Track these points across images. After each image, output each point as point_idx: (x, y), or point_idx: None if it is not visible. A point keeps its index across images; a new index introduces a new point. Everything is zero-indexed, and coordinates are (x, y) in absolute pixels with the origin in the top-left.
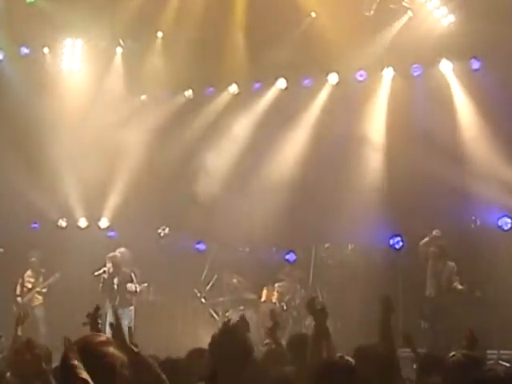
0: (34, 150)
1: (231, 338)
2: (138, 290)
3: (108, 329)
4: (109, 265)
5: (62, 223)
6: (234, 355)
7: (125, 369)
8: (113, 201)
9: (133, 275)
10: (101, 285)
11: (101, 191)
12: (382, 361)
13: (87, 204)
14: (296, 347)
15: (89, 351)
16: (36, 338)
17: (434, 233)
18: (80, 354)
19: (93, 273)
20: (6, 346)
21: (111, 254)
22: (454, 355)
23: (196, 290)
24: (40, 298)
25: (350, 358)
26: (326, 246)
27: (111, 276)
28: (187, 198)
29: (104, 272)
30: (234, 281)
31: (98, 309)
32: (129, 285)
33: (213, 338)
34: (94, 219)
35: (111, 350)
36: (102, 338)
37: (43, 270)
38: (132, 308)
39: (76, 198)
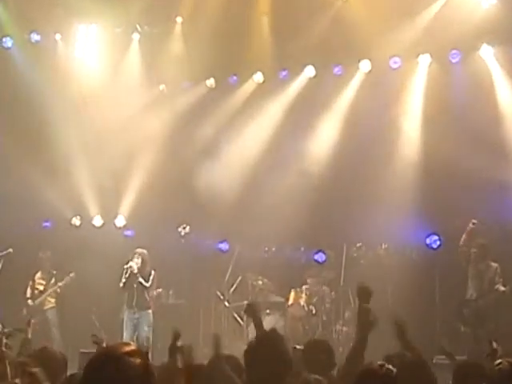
0: (45, 142)
1: (271, 347)
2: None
3: (125, 334)
4: (137, 260)
5: (76, 221)
6: (273, 367)
7: None
8: (130, 197)
9: (151, 276)
10: (123, 280)
11: (117, 187)
12: (412, 369)
13: (102, 201)
14: (312, 354)
15: (113, 361)
16: (48, 343)
17: (471, 224)
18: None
19: (122, 266)
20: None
21: (141, 250)
22: (500, 363)
23: (219, 293)
24: (52, 300)
25: (391, 367)
26: (358, 245)
27: (135, 273)
28: (209, 194)
29: (131, 268)
30: (259, 282)
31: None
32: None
33: (249, 347)
34: (109, 217)
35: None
36: (131, 347)
37: (55, 272)
38: (150, 311)
39: (91, 194)
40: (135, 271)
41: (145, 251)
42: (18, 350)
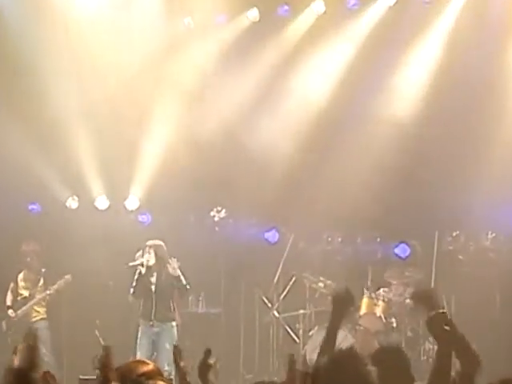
0: (35, 102)
1: (344, 373)
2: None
3: (140, 354)
4: (149, 255)
5: (73, 203)
6: None
7: None
8: (145, 172)
9: (181, 275)
10: (133, 284)
11: (128, 158)
12: None
13: (108, 176)
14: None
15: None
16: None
17: None
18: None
19: (126, 264)
20: None
21: (153, 242)
22: None
23: (265, 299)
24: (41, 310)
25: None
26: (455, 234)
27: (150, 272)
28: (253, 165)
29: (142, 265)
30: (320, 285)
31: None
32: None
33: (315, 372)
34: (118, 198)
35: None
36: (150, 367)
37: (44, 270)
38: (174, 324)
39: (92, 168)
40: (143, 271)
41: (160, 243)
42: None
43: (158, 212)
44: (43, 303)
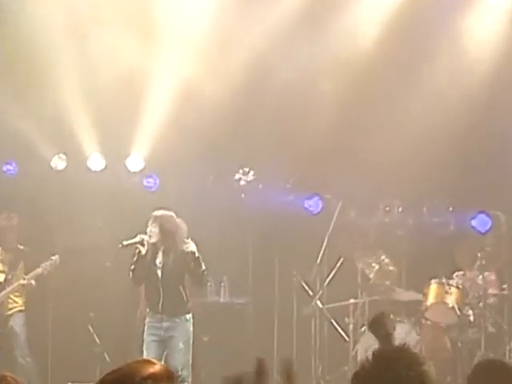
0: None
1: (396, 375)
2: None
3: (146, 355)
4: (153, 230)
5: (59, 163)
6: None
7: None
8: (151, 124)
9: (197, 253)
10: (132, 267)
11: (130, 106)
12: None
13: (105, 129)
14: None
15: None
16: (10, 370)
17: None
18: None
19: (121, 242)
20: None
21: (160, 213)
22: None
23: (305, 285)
24: (19, 300)
25: None
26: None
27: (154, 252)
28: (285, 117)
29: (141, 243)
30: (376, 267)
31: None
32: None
33: (360, 372)
34: (116, 156)
35: None
36: (157, 367)
37: (22, 248)
38: (189, 317)
39: (84, 119)
40: (144, 250)
41: (168, 214)
42: None
43: (167, 174)
44: (22, 291)
